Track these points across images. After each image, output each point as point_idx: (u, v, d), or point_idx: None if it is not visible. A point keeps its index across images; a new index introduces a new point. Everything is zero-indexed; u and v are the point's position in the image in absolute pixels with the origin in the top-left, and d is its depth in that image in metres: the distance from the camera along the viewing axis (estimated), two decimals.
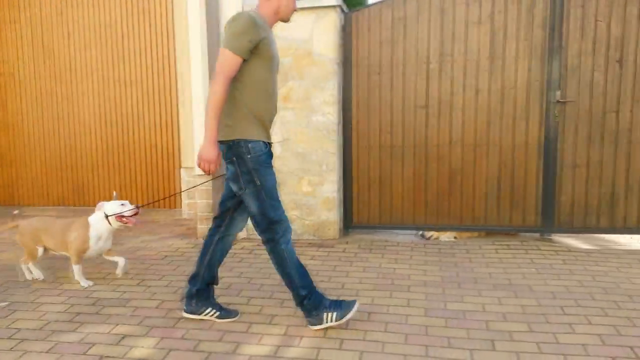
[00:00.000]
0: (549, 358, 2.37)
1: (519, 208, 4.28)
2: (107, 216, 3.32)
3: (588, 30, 3.95)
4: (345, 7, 4.37)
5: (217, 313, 2.81)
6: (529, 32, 4.05)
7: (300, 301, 2.63)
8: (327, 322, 2.62)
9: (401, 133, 4.41)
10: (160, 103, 6.10)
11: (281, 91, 4.39)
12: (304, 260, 3.95)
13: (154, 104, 6.11)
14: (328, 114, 4.34)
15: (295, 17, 4.27)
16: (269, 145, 2.61)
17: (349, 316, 2.62)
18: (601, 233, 4.23)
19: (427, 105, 4.32)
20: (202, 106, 4.48)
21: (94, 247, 3.37)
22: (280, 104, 4.41)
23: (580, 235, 4.41)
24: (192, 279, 2.82)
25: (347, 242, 4.42)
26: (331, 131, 4.35)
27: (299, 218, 4.52)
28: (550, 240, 4.30)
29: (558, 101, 4.06)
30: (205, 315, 2.81)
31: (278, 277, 3.58)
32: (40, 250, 3.49)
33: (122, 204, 3.35)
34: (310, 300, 2.61)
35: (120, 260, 3.55)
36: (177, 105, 6.01)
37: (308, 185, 4.47)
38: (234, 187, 2.57)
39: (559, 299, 3.08)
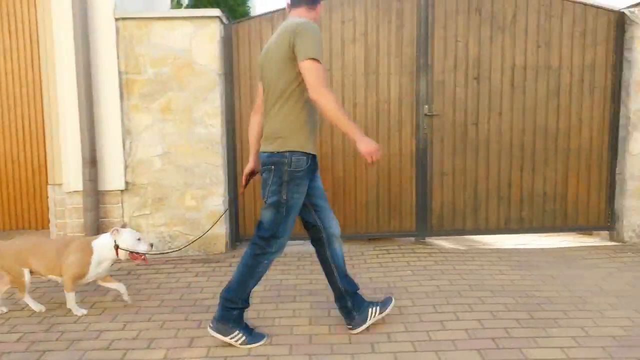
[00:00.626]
0: (423, 356, 2.53)
1: (396, 214, 4.55)
2: (117, 247, 2.97)
3: (450, 49, 4.34)
4: (225, 19, 4.34)
5: (378, 308, 2.80)
6: (400, 50, 4.35)
7: (228, 308, 2.55)
8: (231, 340, 2.58)
9: None
10: (24, 114, 5.55)
11: (159, 102, 4.23)
12: (188, 278, 3.82)
13: (15, 114, 5.53)
14: (211, 126, 4.26)
15: (175, 26, 4.15)
16: (314, 158, 2.59)
17: (257, 344, 2.63)
18: (468, 234, 4.63)
19: None
20: (70, 117, 4.16)
21: (91, 273, 2.99)
22: (158, 115, 4.24)
23: (451, 237, 4.79)
24: (340, 299, 2.75)
25: (234, 257, 4.35)
26: (215, 143, 4.27)
27: (183, 234, 4.36)
28: (425, 243, 4.62)
29: (427, 114, 4.39)
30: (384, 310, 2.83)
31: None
32: (27, 274, 3.01)
33: (139, 239, 2.98)
34: (235, 314, 2.57)
35: (120, 287, 3.18)
36: (43, 116, 5.50)
37: (192, 200, 4.33)
38: (262, 192, 2.57)
39: (431, 298, 3.31)
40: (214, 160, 4.29)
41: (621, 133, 4.36)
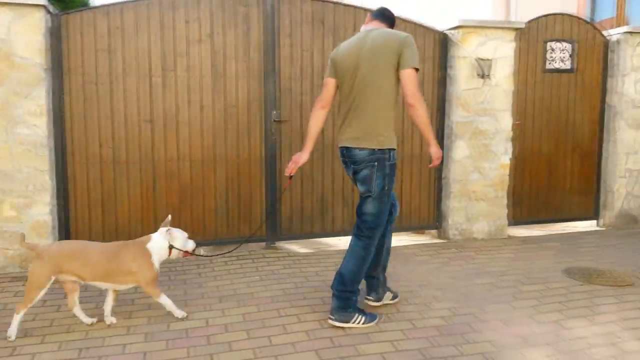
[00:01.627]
0: None
1: (246, 219, 4.51)
2: (171, 247, 2.97)
3: (296, 57, 4.45)
4: (52, 8, 3.90)
5: (391, 295, 3.29)
6: (247, 55, 4.33)
7: (346, 298, 2.90)
8: (353, 324, 2.92)
9: (125, 148, 4.16)
10: None
11: None
12: (4, 299, 3.34)
13: None
14: (35, 126, 3.79)
15: None
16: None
17: (373, 323, 2.98)
18: (316, 237, 4.78)
19: (152, 119, 4.19)
20: None
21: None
22: None
23: (300, 240, 4.89)
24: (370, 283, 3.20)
25: None
26: (40, 146, 3.81)
27: (1, 249, 3.82)
28: (275, 248, 4.65)
29: (275, 120, 4.44)
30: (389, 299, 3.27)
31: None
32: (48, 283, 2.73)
33: (187, 237, 3.06)
34: (353, 300, 2.93)
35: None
36: None
37: (11, 209, 3.81)
38: (362, 188, 2.88)
39: (276, 302, 3.33)
40: (38, 164, 3.82)
41: (445, 142, 4.87)
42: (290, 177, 3.15)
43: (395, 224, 4.85)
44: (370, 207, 2.88)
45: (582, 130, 5.30)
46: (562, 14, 5.07)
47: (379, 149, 2.80)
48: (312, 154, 4.56)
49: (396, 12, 4.67)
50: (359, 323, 2.91)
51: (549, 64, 5.07)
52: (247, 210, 4.50)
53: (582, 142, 5.31)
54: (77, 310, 2.92)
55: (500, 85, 4.80)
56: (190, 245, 3.07)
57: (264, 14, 4.33)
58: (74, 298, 2.88)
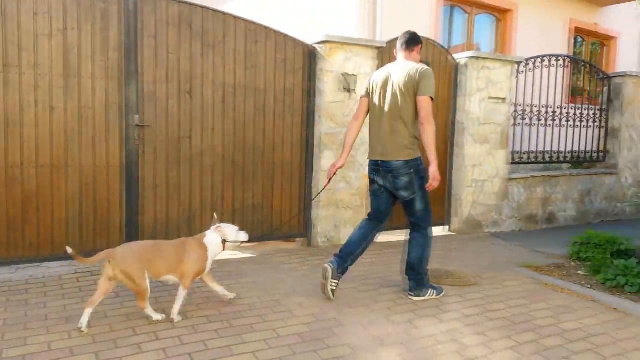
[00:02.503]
0: None
1: (103, 231, 4.18)
2: (224, 241, 3.26)
3: (161, 60, 4.25)
4: None
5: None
6: (105, 54, 4.04)
7: (420, 279, 3.66)
8: (429, 297, 3.67)
9: None
10: None
11: None
12: None
13: None
14: None
15: None
16: None
17: (442, 294, 3.74)
18: None
19: None
20: None
21: (207, 269, 3.25)
22: None
23: None
24: (344, 258, 3.60)
25: None
26: None
27: None
28: None
29: (137, 125, 4.19)
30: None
31: None
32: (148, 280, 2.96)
33: (238, 230, 3.32)
34: (425, 279, 3.70)
35: (217, 287, 3.41)
36: None
37: None
38: (405, 194, 3.50)
39: (131, 320, 3.11)
40: None
41: (314, 151, 5.01)
42: (329, 179, 3.88)
43: (265, 233, 4.85)
44: (418, 205, 3.56)
45: (436, 144, 5.80)
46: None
47: (412, 159, 3.50)
48: (178, 161, 4.40)
49: (265, 22, 4.73)
50: (432, 295, 3.69)
51: None
52: (104, 221, 4.18)
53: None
54: (89, 312, 2.93)
55: None
56: (242, 237, 3.35)
57: (126, 11, 4.08)
58: (101, 298, 2.95)
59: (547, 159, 6.66)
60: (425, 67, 3.43)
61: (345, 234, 5.11)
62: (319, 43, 4.88)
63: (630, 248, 4.61)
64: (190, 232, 4.53)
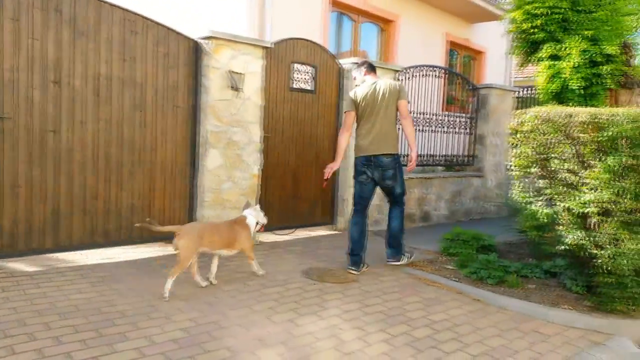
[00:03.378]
0: None
1: None
2: (257, 222, 4.05)
3: (23, 46, 3.85)
4: None
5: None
6: None
7: (399, 245, 4.67)
8: (404, 260, 4.70)
9: None
10: None
11: None
12: None
13: None
14: None
15: None
16: None
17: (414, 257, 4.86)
18: (48, 253, 4.19)
19: None
20: None
21: None
22: None
23: (27, 257, 4.21)
24: (357, 252, 4.47)
25: None
26: None
27: None
28: None
29: None
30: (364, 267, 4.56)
31: None
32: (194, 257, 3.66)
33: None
34: (403, 244, 4.72)
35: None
36: None
37: None
38: (390, 182, 4.51)
39: None
40: None
41: (200, 150, 4.86)
42: (326, 179, 4.64)
43: (143, 235, 4.60)
44: (399, 189, 4.57)
45: (323, 145, 5.94)
46: (306, 40, 5.60)
47: (396, 155, 4.54)
48: (44, 157, 4.01)
49: (147, 13, 4.49)
50: (407, 259, 4.72)
51: (295, 83, 5.55)
52: None
53: (322, 155, 5.94)
54: (197, 277, 3.78)
55: (251, 99, 5.03)
56: (265, 220, 4.12)
57: None
58: (196, 267, 3.76)
59: (424, 162, 7.14)
60: (398, 82, 4.74)
61: None
62: (204, 39, 4.74)
63: (492, 244, 5.09)
64: (57, 237, 4.14)
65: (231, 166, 4.96)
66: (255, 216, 4.05)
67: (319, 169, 5.92)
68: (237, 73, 4.85)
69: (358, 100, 4.49)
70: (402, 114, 4.51)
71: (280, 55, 5.37)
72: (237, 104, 4.93)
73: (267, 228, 5.44)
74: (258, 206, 4.20)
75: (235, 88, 4.86)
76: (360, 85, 4.58)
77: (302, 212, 5.83)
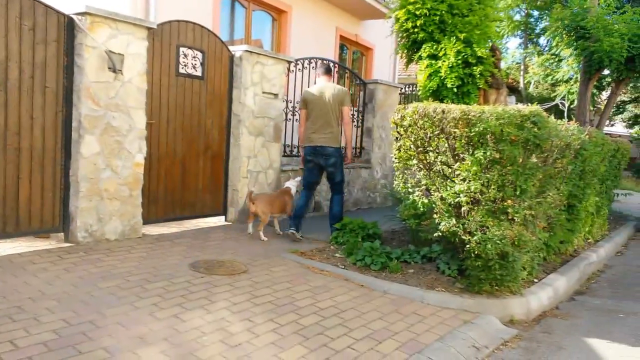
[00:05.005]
0: None
1: None
2: (297, 191, 5.63)
3: None
4: None
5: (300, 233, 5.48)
6: None
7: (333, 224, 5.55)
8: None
9: None
10: None
11: None
12: None
13: None
14: None
15: None
16: None
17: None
18: None
19: None
20: None
21: None
22: None
23: None
24: (299, 214, 5.45)
25: None
26: None
27: None
28: None
29: None
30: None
31: None
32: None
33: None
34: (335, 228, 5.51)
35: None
36: None
37: None
38: (332, 169, 5.45)
39: None
40: None
41: (74, 136, 4.45)
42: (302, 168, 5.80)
43: (4, 229, 4.13)
44: (339, 176, 5.51)
45: (212, 134, 5.77)
46: (193, 23, 5.39)
47: (339, 147, 5.48)
48: None
49: None
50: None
51: (182, 68, 5.31)
52: None
53: (212, 145, 5.77)
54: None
55: (134, 82, 4.72)
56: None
57: None
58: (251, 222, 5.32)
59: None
60: (344, 87, 5.64)
61: (110, 228, 4.70)
62: (78, 14, 4.33)
63: (377, 232, 5.33)
64: None
65: (110, 154, 4.63)
66: (295, 187, 5.64)
67: (208, 159, 5.76)
68: (116, 54, 4.51)
69: (308, 100, 5.48)
70: (345, 118, 5.48)
71: (165, 38, 5.10)
72: (117, 87, 4.59)
73: (152, 220, 5.20)
74: (298, 178, 5.75)
75: (114, 70, 4.52)
76: (313, 86, 5.58)
77: (190, 203, 5.62)
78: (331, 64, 5.73)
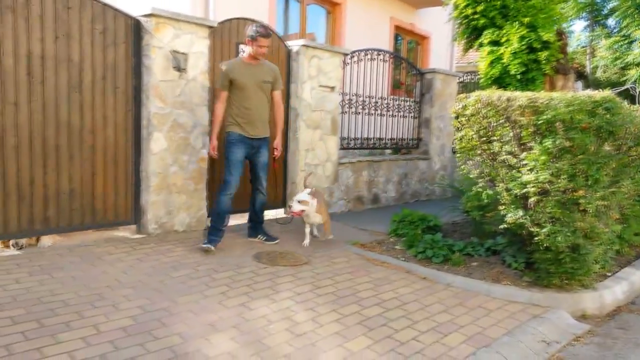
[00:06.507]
0: None
1: None
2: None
3: None
4: None
5: (265, 238, 4.83)
6: None
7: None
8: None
9: None
10: None
11: None
12: None
13: None
14: None
15: None
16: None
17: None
18: None
19: None
20: None
21: None
22: None
23: None
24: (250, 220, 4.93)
25: None
26: None
27: None
28: None
29: None
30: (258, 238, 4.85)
31: None
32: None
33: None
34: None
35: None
36: None
37: None
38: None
39: None
40: None
41: (143, 133, 4.68)
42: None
43: (87, 221, 4.42)
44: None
45: (271, 128, 5.85)
46: (252, 20, 5.48)
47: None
48: None
49: None
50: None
51: None
52: None
53: (271, 139, 5.86)
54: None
55: (197, 80, 4.88)
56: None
57: None
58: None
59: (372, 145, 7.24)
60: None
61: (178, 220, 4.91)
62: (145, 16, 4.52)
63: (437, 224, 5.25)
64: None
65: (177, 149, 4.82)
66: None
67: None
68: (180, 53, 4.68)
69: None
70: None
71: (225, 35, 5.23)
72: (181, 85, 4.77)
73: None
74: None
75: (179, 69, 4.69)
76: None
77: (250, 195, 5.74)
78: None
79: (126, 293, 3.31)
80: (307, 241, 4.87)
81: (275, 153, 4.86)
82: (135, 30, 4.56)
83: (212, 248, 4.33)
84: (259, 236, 4.86)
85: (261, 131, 4.61)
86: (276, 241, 4.83)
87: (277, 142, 4.83)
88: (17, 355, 2.41)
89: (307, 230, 4.92)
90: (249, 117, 4.49)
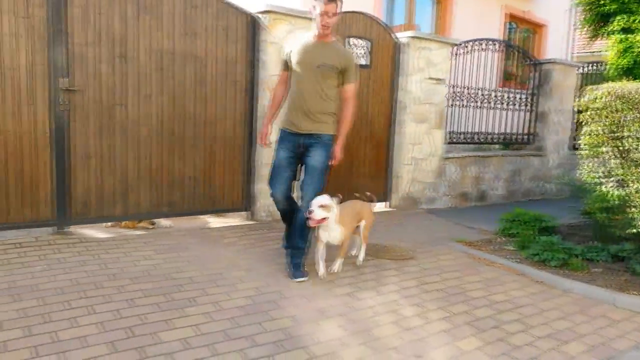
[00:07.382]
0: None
1: (31, 202, 3.91)
2: None
3: (91, 21, 3.96)
4: None
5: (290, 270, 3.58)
6: (28, 10, 3.71)
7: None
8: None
9: None
10: None
11: None
12: None
13: None
14: None
15: None
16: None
17: None
18: (118, 220, 4.39)
19: None
20: None
21: None
22: None
23: (98, 224, 4.43)
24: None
25: None
26: None
27: None
28: (66, 234, 4.12)
29: (66, 89, 3.91)
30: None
31: None
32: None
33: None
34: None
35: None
36: None
37: None
38: None
39: (66, 293, 2.97)
40: None
41: (258, 125, 4.90)
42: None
43: (204, 206, 4.75)
44: None
45: (377, 122, 5.86)
46: (362, 13, 5.51)
47: None
48: (112, 129, 4.18)
49: None
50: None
51: None
52: (30, 192, 3.90)
53: (376, 132, 5.88)
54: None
55: None
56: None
57: None
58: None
59: (480, 140, 6.95)
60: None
61: None
62: (261, 13, 4.74)
63: (554, 225, 4.93)
64: (126, 206, 4.33)
65: None
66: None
67: (372, 146, 5.86)
68: None
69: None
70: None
71: (339, 30, 5.30)
72: None
73: None
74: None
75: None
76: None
77: (353, 188, 5.75)
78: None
79: (241, 275, 3.51)
80: (322, 270, 3.57)
81: (333, 161, 3.64)
82: (252, 26, 4.78)
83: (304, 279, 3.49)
84: (287, 270, 3.60)
85: (309, 125, 3.52)
86: (302, 279, 3.48)
87: (337, 148, 3.62)
88: (152, 324, 2.67)
89: (320, 252, 3.59)
90: (294, 104, 3.57)
